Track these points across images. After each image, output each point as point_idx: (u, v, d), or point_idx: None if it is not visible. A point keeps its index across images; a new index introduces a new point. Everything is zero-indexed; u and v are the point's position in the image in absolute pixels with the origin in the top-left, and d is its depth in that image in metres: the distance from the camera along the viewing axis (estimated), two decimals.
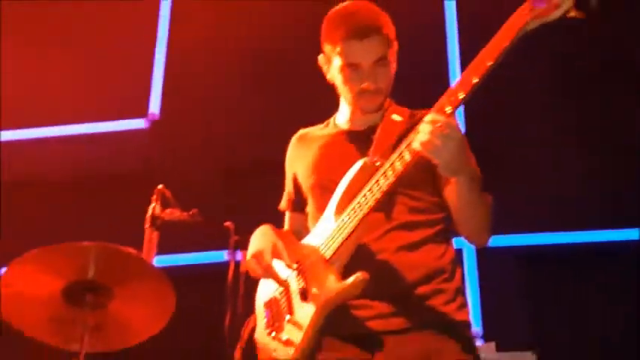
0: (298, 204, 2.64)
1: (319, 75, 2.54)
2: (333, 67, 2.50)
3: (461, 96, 2.03)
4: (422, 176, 2.34)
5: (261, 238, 2.43)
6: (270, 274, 2.37)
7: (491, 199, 2.29)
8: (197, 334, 3.48)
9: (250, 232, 2.91)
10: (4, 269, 2.85)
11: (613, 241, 4.40)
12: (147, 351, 3.13)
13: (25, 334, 2.97)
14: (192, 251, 4.30)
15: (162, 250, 3.04)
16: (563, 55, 4.28)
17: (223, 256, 3.60)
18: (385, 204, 2.28)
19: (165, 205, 3.11)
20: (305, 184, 2.57)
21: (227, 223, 3.19)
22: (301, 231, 2.55)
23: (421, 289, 2.29)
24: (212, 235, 3.25)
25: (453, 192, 2.28)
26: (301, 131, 2.72)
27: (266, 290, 2.50)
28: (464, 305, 2.38)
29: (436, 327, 2.26)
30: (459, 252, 3.16)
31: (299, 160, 2.64)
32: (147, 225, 3.08)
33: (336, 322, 2.27)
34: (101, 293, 2.85)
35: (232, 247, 3.21)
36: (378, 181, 2.20)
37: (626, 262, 4.26)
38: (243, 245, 3.09)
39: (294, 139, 2.72)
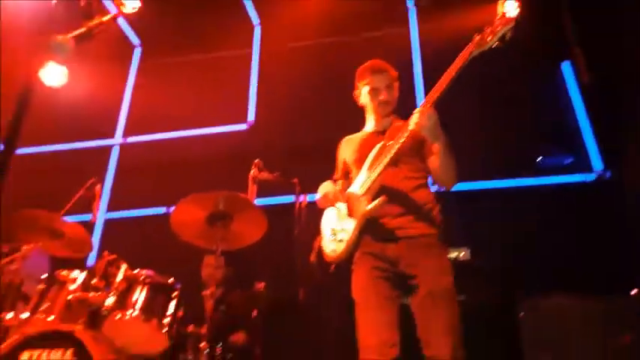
0: (345, 174, 2.69)
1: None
2: (362, 94, 2.64)
3: (435, 95, 2.18)
4: (415, 153, 2.45)
5: (326, 187, 2.58)
6: (332, 204, 2.53)
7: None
8: (277, 243, 3.41)
9: (307, 185, 3.08)
10: (173, 207, 2.93)
11: (510, 187, 4.35)
12: (251, 252, 3.17)
13: (187, 241, 3.03)
14: (274, 196, 4.33)
15: (259, 195, 3.12)
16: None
17: (292, 198, 3.64)
18: (395, 162, 2.37)
19: (260, 170, 3.17)
20: (350, 160, 2.65)
21: (294, 180, 3.27)
22: (346, 189, 2.60)
23: (420, 213, 2.37)
24: (286, 186, 3.30)
25: (435, 157, 2.34)
26: (346, 137, 2.79)
27: (328, 218, 2.60)
28: (439, 225, 2.43)
29: (430, 235, 2.35)
30: None
31: (346, 150, 2.72)
32: (250, 182, 3.14)
33: (371, 230, 2.38)
34: (227, 219, 2.91)
35: (297, 193, 3.27)
36: (391, 148, 2.34)
37: (523, 199, 4.27)
38: (303, 192, 3.26)
39: (343, 141, 2.80)
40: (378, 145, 2.48)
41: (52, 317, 2.82)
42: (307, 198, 3.33)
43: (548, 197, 4.17)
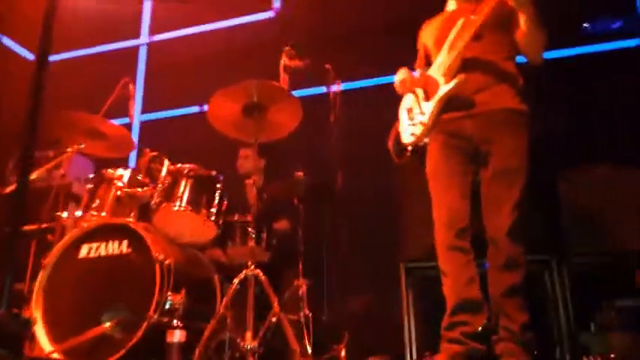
0: (426, 61, 2.58)
1: None
2: None
3: None
4: (500, 25, 2.31)
5: (402, 74, 2.55)
6: (410, 90, 2.47)
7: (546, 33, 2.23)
8: (313, 133, 3.42)
9: (341, 72, 2.98)
10: (206, 104, 2.93)
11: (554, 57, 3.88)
12: (289, 143, 3.14)
13: (223, 132, 2.93)
14: (305, 88, 4.22)
15: (293, 86, 3.00)
16: None
17: (323, 89, 3.53)
18: (478, 37, 2.27)
19: (290, 58, 3.03)
20: (430, 44, 2.53)
21: (327, 65, 3.15)
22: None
23: (502, 87, 2.31)
24: (318, 74, 3.18)
25: (523, 27, 2.23)
26: (427, 21, 2.65)
27: (405, 103, 2.53)
28: (523, 101, 2.33)
29: (512, 111, 2.28)
30: None
31: (426, 34, 2.61)
32: (281, 71, 3.01)
33: (449, 108, 2.32)
34: (261, 109, 2.80)
35: (331, 80, 3.16)
36: (475, 22, 2.23)
37: (568, 69, 3.90)
38: (337, 78, 3.18)
39: (424, 25, 2.65)
40: (460, 22, 2.33)
41: (104, 213, 2.96)
42: (342, 85, 3.28)
43: (595, 66, 3.89)
